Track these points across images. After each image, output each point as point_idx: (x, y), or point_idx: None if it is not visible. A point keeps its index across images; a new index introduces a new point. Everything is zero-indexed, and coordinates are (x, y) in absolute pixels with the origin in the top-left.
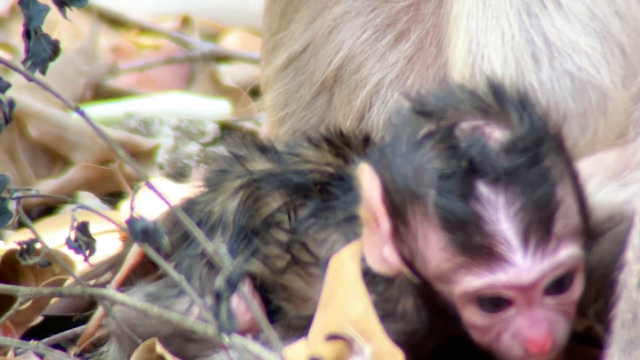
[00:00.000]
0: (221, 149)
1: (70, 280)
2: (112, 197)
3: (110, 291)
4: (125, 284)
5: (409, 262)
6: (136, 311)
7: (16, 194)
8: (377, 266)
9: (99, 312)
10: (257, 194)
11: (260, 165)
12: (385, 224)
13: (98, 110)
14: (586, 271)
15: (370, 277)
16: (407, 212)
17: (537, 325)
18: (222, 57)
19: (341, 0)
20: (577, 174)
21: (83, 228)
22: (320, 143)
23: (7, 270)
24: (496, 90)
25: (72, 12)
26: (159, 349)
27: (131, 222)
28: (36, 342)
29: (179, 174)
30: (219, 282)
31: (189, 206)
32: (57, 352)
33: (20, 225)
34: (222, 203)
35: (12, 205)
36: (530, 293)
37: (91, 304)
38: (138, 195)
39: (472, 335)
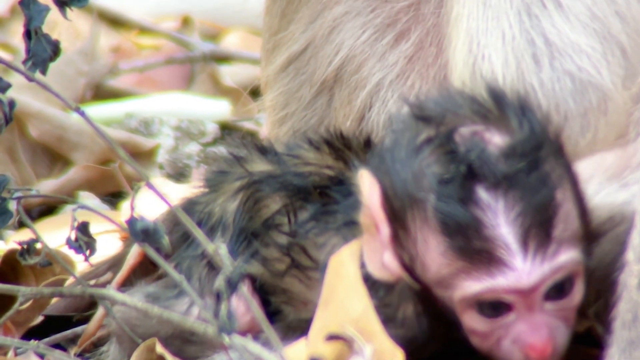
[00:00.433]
0: (221, 149)
1: (70, 280)
2: (113, 197)
3: (111, 291)
4: (126, 284)
5: (409, 268)
6: (136, 311)
7: (16, 194)
8: (377, 272)
9: (99, 312)
10: (256, 195)
11: (260, 166)
12: (385, 230)
13: (98, 111)
14: (587, 272)
15: (370, 283)
16: (407, 218)
17: (538, 331)
18: (222, 58)
19: (341, 0)
20: (576, 179)
21: (83, 228)
22: (320, 145)
23: (7, 270)
24: (496, 95)
25: (72, 12)
26: (159, 349)
27: (131, 222)
28: (36, 342)
29: (179, 174)
30: (219, 282)
31: (189, 206)
32: (58, 352)
33: (21, 225)
34: (222, 204)
35: (12, 205)
36: (530, 297)
37: (91, 304)
38: (138, 195)
39: (472, 341)
